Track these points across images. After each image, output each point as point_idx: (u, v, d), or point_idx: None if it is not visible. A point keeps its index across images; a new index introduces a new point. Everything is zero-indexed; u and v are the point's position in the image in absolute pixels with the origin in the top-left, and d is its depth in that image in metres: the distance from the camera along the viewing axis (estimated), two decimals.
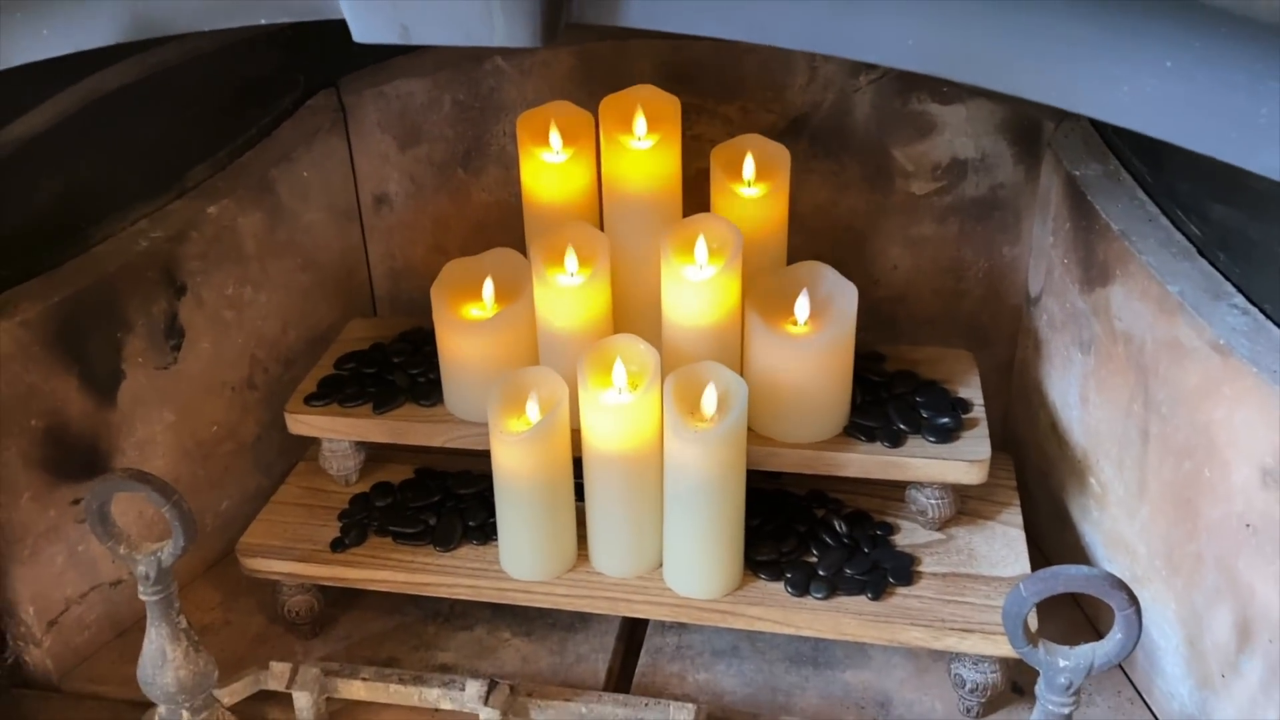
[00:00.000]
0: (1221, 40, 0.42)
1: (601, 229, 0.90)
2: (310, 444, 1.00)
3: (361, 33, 0.51)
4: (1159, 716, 0.84)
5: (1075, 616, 0.93)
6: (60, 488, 0.87)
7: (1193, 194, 0.80)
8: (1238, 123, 0.42)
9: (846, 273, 0.87)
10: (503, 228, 1.06)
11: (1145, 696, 0.86)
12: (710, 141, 0.92)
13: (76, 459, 0.87)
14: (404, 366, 0.98)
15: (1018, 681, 0.87)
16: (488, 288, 0.90)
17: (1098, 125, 0.93)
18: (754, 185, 0.88)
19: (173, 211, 0.94)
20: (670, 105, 0.88)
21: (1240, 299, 0.74)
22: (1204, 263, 0.78)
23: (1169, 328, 0.77)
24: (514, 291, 0.90)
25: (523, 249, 0.93)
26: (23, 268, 0.85)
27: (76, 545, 0.89)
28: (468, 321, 0.89)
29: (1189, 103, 0.43)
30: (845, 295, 0.86)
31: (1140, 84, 0.43)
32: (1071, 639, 0.67)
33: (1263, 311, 0.72)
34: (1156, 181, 0.85)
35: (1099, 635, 0.66)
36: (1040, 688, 0.67)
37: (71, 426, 0.87)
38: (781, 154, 0.89)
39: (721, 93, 1.00)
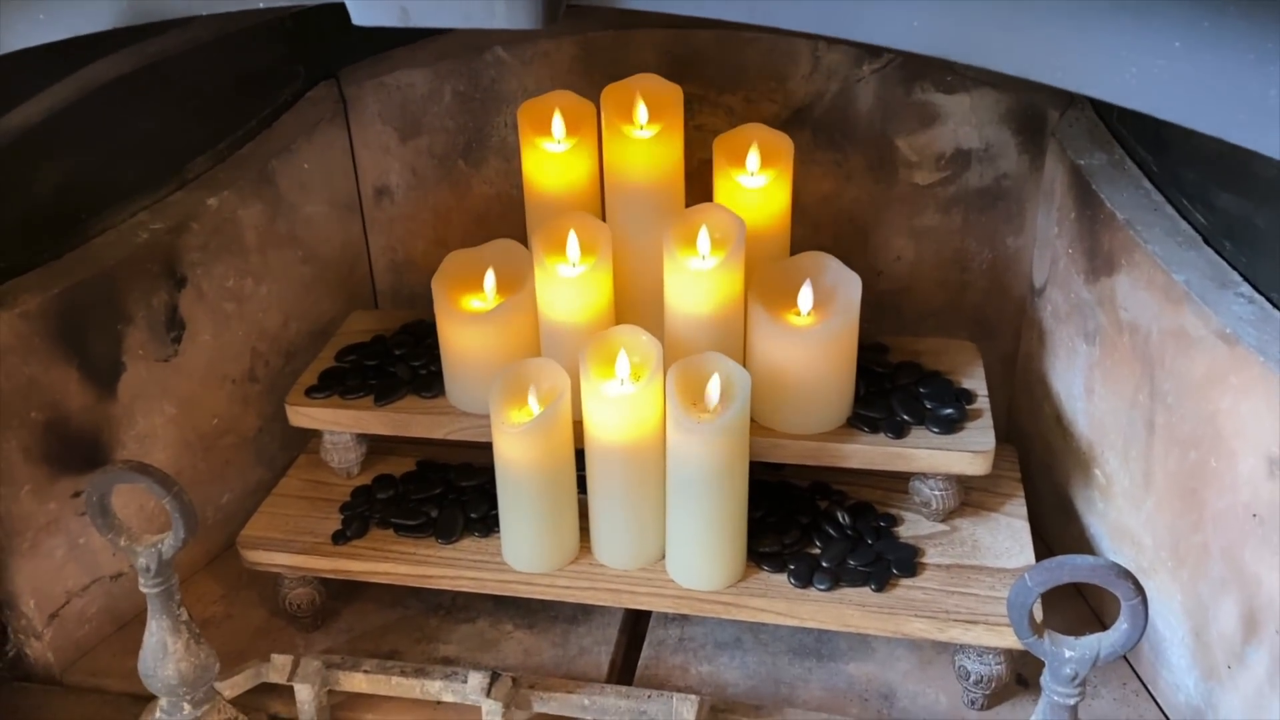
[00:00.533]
0: (1230, 21, 0.41)
1: (603, 219, 0.90)
2: (312, 436, 0.99)
3: (361, 16, 0.51)
4: (1164, 708, 0.84)
5: (1080, 609, 0.93)
6: (61, 480, 0.86)
7: (1198, 182, 0.80)
8: (1247, 104, 0.41)
9: (850, 264, 0.86)
10: (504, 220, 1.05)
11: (1150, 688, 0.86)
12: (713, 131, 0.92)
13: (77, 451, 0.87)
14: (405, 359, 0.97)
15: (1022, 673, 0.86)
16: (489, 279, 0.90)
17: (1102, 114, 0.93)
18: (757, 175, 0.88)
19: (173, 203, 0.94)
20: (672, 94, 0.87)
21: (1246, 288, 0.74)
22: (1210, 251, 0.78)
23: (1175, 317, 0.77)
24: (515, 283, 0.90)
25: (524, 242, 0.93)
26: (22, 259, 0.85)
27: (77, 538, 0.88)
28: (469, 313, 0.89)
29: (1197, 84, 0.42)
30: (849, 286, 0.85)
31: (1148, 65, 0.42)
32: (1077, 632, 0.66)
33: (1269, 300, 0.72)
34: (1162, 170, 0.84)
35: (1104, 628, 0.65)
36: (1045, 679, 0.67)
37: (72, 419, 0.86)
38: (785, 143, 0.88)
39: (724, 82, 0.99)
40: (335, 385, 0.95)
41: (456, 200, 1.08)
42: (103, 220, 0.90)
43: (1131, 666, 0.88)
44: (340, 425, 0.94)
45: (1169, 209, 0.82)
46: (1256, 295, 0.73)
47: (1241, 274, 0.75)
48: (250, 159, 0.99)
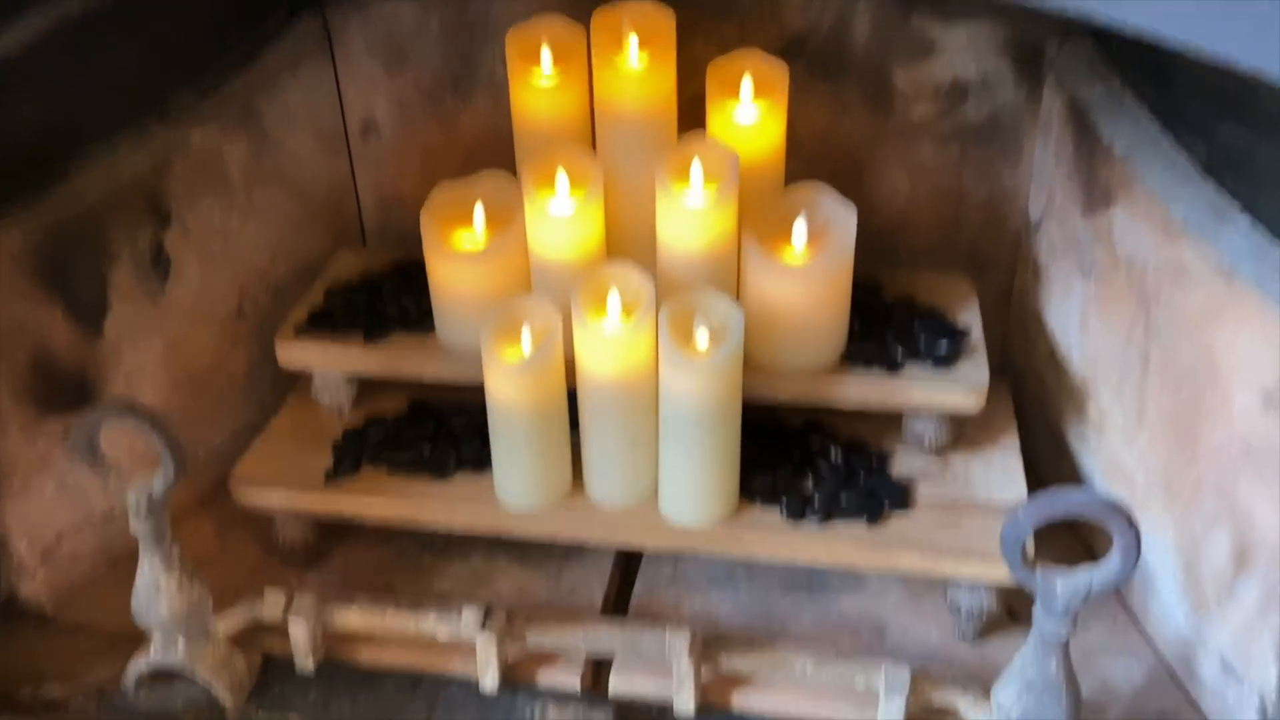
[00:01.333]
0: None
1: (594, 153, 0.88)
2: (302, 375, 0.99)
3: None
4: (1153, 641, 0.85)
5: (1071, 543, 0.93)
6: (49, 420, 0.86)
7: (1199, 114, 0.78)
8: (1256, 26, 0.40)
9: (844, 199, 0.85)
10: (494, 155, 1.03)
11: (1140, 621, 0.86)
12: (705, 62, 0.90)
13: (64, 391, 0.86)
14: (395, 297, 0.96)
15: (1013, 607, 0.87)
16: (478, 214, 0.89)
17: (1101, 45, 0.91)
18: (752, 104, 0.86)
19: (155, 139, 0.92)
20: (664, 19, 0.85)
21: (1246, 221, 0.73)
22: (1209, 185, 0.76)
23: (1172, 251, 0.76)
24: (506, 216, 0.88)
25: (515, 175, 0.91)
26: (2, 198, 0.83)
27: (67, 477, 0.88)
28: (459, 252, 0.88)
29: (1203, 5, 0.41)
30: (844, 219, 0.84)
31: None
32: (1067, 565, 0.67)
33: (1269, 233, 0.71)
34: (1162, 102, 0.83)
35: (1095, 561, 0.66)
36: (1037, 612, 0.67)
37: (58, 358, 0.86)
38: (779, 71, 0.86)
39: (718, 11, 0.97)
40: (325, 324, 0.94)
41: (445, 136, 1.06)
42: (83, 157, 0.88)
43: (1122, 600, 0.88)
44: (330, 364, 0.93)
45: (1168, 141, 0.81)
46: (1256, 229, 0.72)
47: (1241, 207, 0.74)
48: (233, 94, 0.97)
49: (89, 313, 0.87)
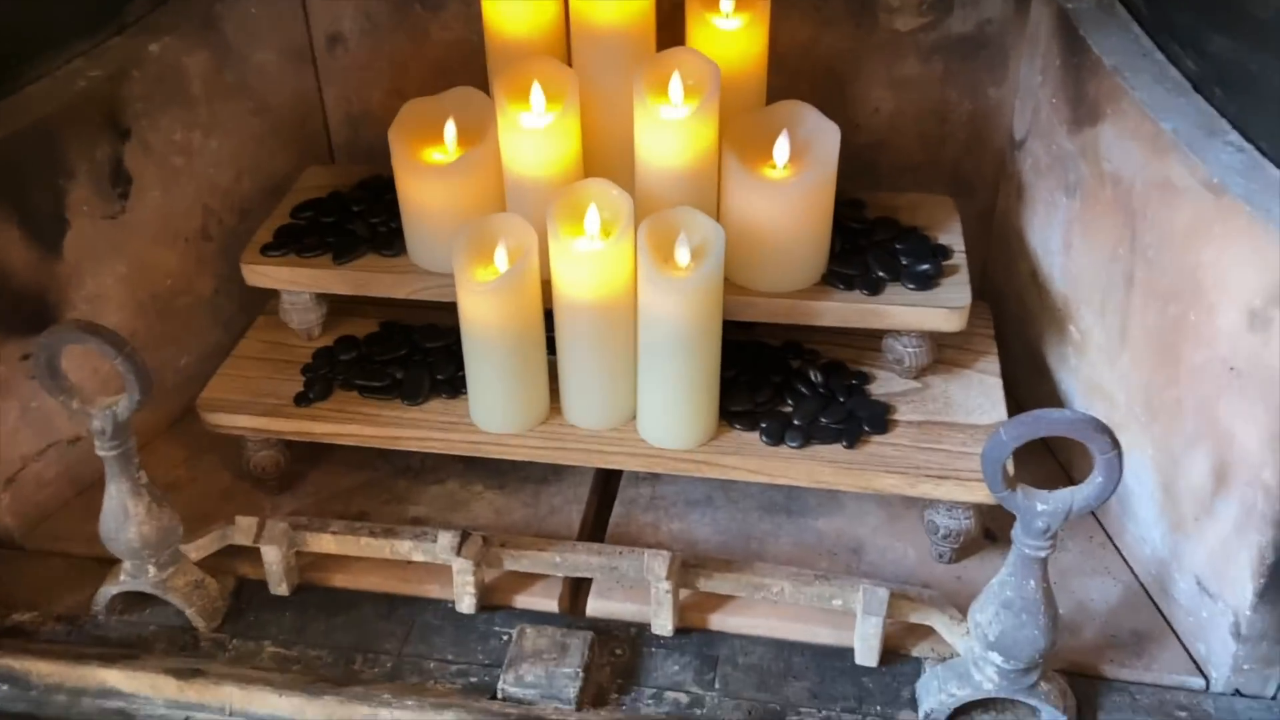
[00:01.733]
0: None
1: (570, 65, 0.85)
2: (270, 297, 0.96)
3: None
4: (1129, 561, 0.85)
5: (1050, 466, 0.93)
6: (8, 343, 0.83)
7: (1190, 26, 0.77)
8: None
9: (827, 116, 0.83)
10: (465, 69, 1.00)
11: (1116, 541, 0.87)
12: None
13: (23, 312, 0.84)
14: (364, 215, 0.94)
15: (990, 528, 0.87)
16: (449, 129, 0.86)
17: None
18: (732, 16, 0.83)
19: (111, 49, 0.88)
20: None
21: (1236, 136, 0.72)
22: (1200, 99, 0.75)
23: (1160, 167, 0.74)
24: (478, 133, 0.86)
25: (487, 92, 0.88)
26: None
27: (30, 401, 0.86)
28: (429, 166, 0.85)
29: None
30: (827, 137, 0.82)
31: None
32: (1046, 488, 0.66)
33: (1259, 149, 0.70)
34: (1152, 14, 0.81)
35: (1073, 484, 0.65)
36: (1017, 532, 0.67)
37: (16, 278, 0.83)
38: None
39: None
40: (292, 243, 0.91)
41: (414, 48, 1.02)
42: (36, 67, 0.84)
43: (1098, 520, 0.88)
44: (298, 284, 0.91)
45: (1159, 55, 0.79)
46: (1246, 144, 0.71)
47: (1231, 122, 0.72)
48: (193, 2, 0.93)
49: (46, 232, 0.84)
